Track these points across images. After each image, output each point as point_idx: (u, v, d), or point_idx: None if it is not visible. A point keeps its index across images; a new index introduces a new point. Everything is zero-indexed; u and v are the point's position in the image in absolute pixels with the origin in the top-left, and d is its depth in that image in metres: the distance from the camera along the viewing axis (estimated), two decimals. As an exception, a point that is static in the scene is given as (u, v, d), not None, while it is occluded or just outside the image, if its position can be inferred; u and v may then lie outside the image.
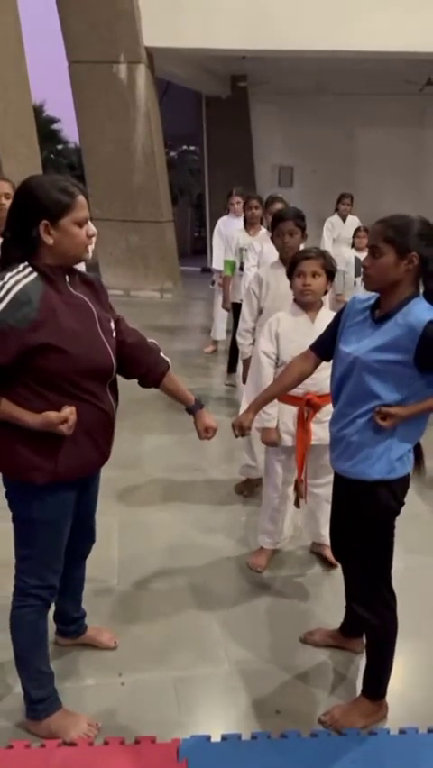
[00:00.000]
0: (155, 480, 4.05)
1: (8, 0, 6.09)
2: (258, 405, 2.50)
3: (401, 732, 2.15)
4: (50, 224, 1.79)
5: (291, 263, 2.88)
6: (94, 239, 2.52)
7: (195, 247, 17.59)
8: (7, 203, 3.94)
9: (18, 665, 2.10)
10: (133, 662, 2.46)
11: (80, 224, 1.83)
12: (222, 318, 7.08)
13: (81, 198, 1.83)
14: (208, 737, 2.10)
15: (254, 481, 3.85)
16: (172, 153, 19.28)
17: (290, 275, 2.90)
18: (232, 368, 6.00)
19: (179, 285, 11.27)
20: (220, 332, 7.17)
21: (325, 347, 2.25)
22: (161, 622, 2.71)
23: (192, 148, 20.20)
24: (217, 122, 14.51)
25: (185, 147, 20.85)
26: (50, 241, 1.80)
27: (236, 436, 2.55)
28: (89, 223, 1.90)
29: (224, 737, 2.10)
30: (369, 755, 2.06)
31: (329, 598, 2.83)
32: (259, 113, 13.99)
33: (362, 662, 2.33)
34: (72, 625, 2.45)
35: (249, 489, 3.88)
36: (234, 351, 5.84)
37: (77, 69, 9.99)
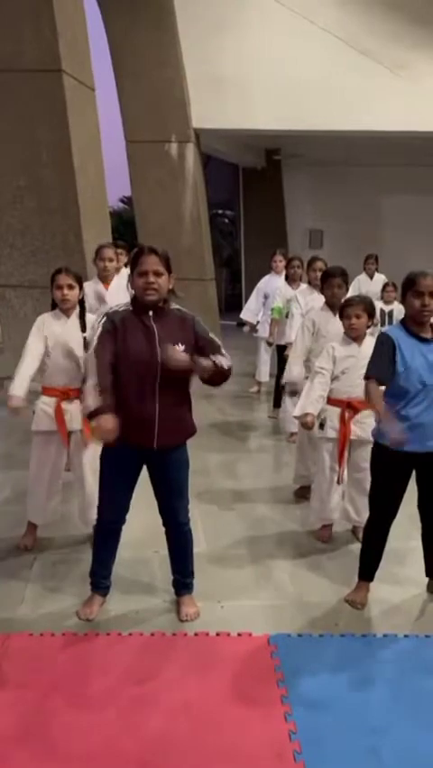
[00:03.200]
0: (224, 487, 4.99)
1: (90, 99, 7.33)
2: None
3: None
4: None
5: (341, 308, 3.87)
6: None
7: (228, 303, 18.79)
8: (111, 264, 5.06)
9: None
10: (227, 593, 3.35)
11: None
12: (265, 363, 8.08)
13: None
14: (290, 634, 2.97)
15: (308, 488, 4.72)
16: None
17: (340, 317, 3.89)
18: (277, 403, 6.94)
19: (219, 336, 12.32)
20: (264, 374, 8.14)
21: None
22: (246, 570, 3.61)
23: (222, 212, 21.69)
24: (253, 190, 15.89)
25: (215, 211, 22.37)
26: None
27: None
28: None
29: (301, 635, 2.98)
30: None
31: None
32: (291, 182, 15.30)
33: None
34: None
35: (306, 493, 4.73)
36: (278, 389, 6.79)
37: (134, 148, 11.36)
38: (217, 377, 2.94)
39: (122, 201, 23.52)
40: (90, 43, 7.59)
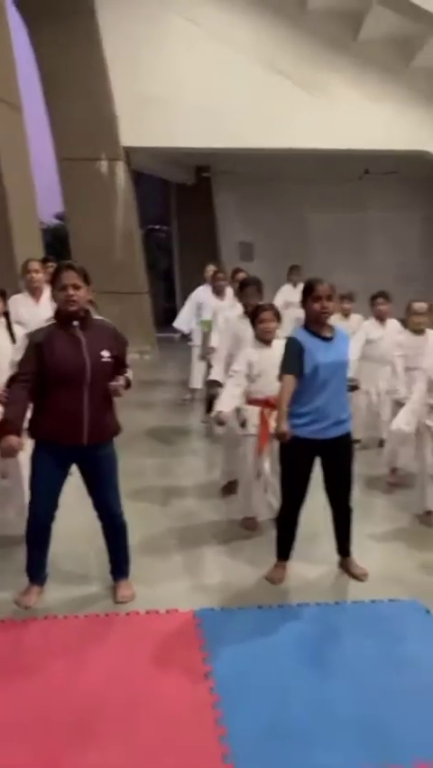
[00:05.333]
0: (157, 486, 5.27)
1: (17, 119, 7.57)
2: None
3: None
4: None
5: (253, 313, 4.23)
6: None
7: (166, 316, 19.07)
8: (37, 276, 5.27)
9: None
10: (158, 578, 3.62)
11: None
12: (198, 371, 8.39)
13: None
14: (213, 608, 3.27)
15: (234, 483, 5.04)
16: (141, 231, 21.03)
17: (252, 322, 4.24)
18: (209, 409, 7.25)
19: (155, 348, 12.64)
20: (197, 382, 8.44)
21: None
22: (175, 557, 3.89)
23: (159, 227, 22.05)
24: (185, 205, 16.31)
25: (151, 226, 22.69)
26: None
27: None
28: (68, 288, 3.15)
29: (223, 609, 3.28)
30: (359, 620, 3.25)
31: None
32: (221, 197, 15.77)
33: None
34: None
35: (232, 488, 5.03)
36: (210, 396, 7.11)
37: (65, 165, 11.59)
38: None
39: (57, 218, 23.59)
40: (17, 63, 7.84)
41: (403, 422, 4.29)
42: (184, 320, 8.51)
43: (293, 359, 3.42)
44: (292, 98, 11.25)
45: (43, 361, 3.14)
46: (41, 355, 3.14)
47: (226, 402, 4.22)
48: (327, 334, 3.45)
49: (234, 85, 11.17)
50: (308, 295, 3.41)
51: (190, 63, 11.20)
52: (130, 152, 11.94)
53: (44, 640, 3.05)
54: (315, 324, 3.46)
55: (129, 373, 3.38)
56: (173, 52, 11.25)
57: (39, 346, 3.16)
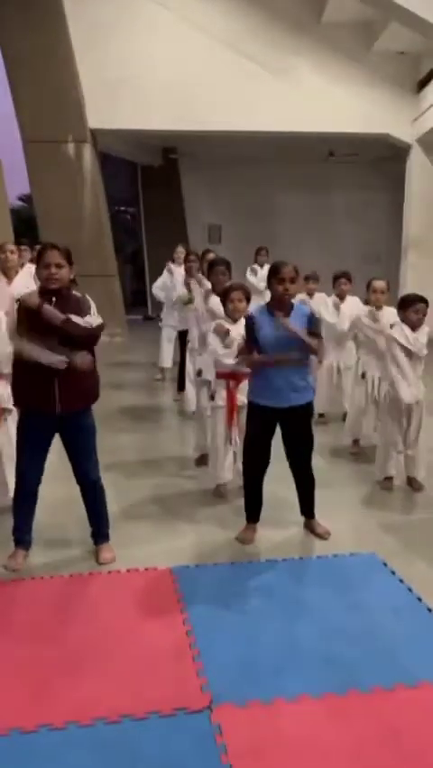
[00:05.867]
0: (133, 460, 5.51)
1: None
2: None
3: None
4: None
5: (223, 293, 4.46)
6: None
7: (134, 299, 19.18)
8: (12, 257, 5.41)
9: None
10: (136, 541, 3.88)
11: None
12: (168, 351, 8.60)
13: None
14: (188, 565, 3.54)
15: (206, 455, 5.29)
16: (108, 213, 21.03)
17: (223, 302, 4.47)
18: (180, 387, 7.49)
19: (125, 330, 12.80)
20: (167, 361, 8.66)
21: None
22: (151, 522, 4.15)
23: (125, 209, 22.04)
24: (152, 187, 16.40)
25: (118, 208, 22.67)
26: None
27: None
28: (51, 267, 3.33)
29: (198, 565, 3.55)
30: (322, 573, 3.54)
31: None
32: (189, 179, 15.91)
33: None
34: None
35: (205, 460, 5.29)
36: (181, 374, 7.34)
37: (32, 148, 11.61)
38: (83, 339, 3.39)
39: (20, 199, 23.39)
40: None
41: (408, 394, 4.52)
42: (159, 286, 8.62)
43: (248, 334, 3.79)
44: (258, 81, 11.45)
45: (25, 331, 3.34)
46: (24, 324, 3.35)
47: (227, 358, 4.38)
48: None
49: (200, 68, 11.33)
50: (273, 276, 3.66)
51: (158, 47, 11.31)
52: (97, 134, 12.02)
53: (33, 596, 3.28)
54: (277, 303, 3.71)
55: (89, 318, 3.39)
56: (141, 36, 11.34)
57: (22, 316, 3.37)
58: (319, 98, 11.50)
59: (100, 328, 3.48)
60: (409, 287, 11.89)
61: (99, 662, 2.73)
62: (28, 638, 2.92)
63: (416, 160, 12.30)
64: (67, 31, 11.06)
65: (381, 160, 14.02)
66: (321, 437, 5.84)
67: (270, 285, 3.72)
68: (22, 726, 2.37)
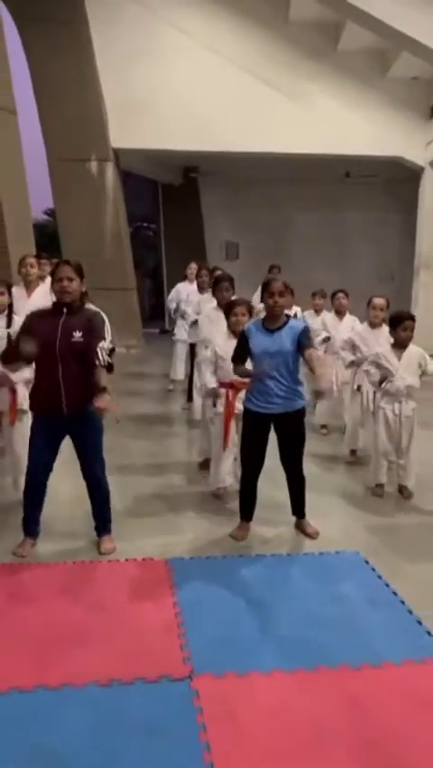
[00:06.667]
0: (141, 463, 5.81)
1: (12, 123, 8.07)
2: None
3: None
4: None
5: (227, 306, 4.77)
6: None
7: (153, 313, 19.58)
8: (33, 270, 5.77)
9: None
10: (137, 535, 4.17)
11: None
12: (180, 362, 8.91)
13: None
14: (183, 557, 3.82)
15: (209, 460, 5.57)
16: (129, 229, 21.50)
17: (227, 315, 4.78)
18: (189, 398, 7.80)
19: (141, 342, 13.17)
20: (179, 373, 8.98)
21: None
22: (153, 519, 4.44)
23: (146, 225, 22.52)
24: (172, 205, 16.83)
25: (139, 224, 23.17)
26: None
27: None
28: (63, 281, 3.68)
29: (192, 558, 3.83)
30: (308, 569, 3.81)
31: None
32: (208, 197, 16.32)
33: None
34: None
35: (208, 465, 5.57)
36: (190, 385, 7.65)
37: (57, 166, 12.09)
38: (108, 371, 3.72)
39: (46, 213, 23.99)
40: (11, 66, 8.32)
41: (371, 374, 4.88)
42: (171, 298, 9.00)
43: (239, 347, 4.09)
44: (274, 105, 11.83)
45: (30, 335, 3.66)
46: (29, 331, 3.69)
47: (210, 380, 4.77)
48: (273, 326, 4.00)
49: (220, 91, 11.74)
50: (265, 291, 3.97)
51: (179, 70, 11.75)
52: (119, 153, 12.46)
53: (39, 579, 3.59)
54: (268, 316, 4.01)
55: (102, 348, 3.68)
56: (162, 60, 11.79)
57: (29, 323, 3.74)
58: (334, 122, 11.85)
59: (113, 351, 3.81)
60: (420, 305, 12.15)
61: (95, 635, 3.02)
62: (32, 614, 3.22)
63: (429, 182, 12.56)
64: (92, 55, 11.55)
65: (395, 182, 14.30)
66: (321, 447, 6.20)
67: (262, 299, 4.02)
68: (21, 685, 2.66)
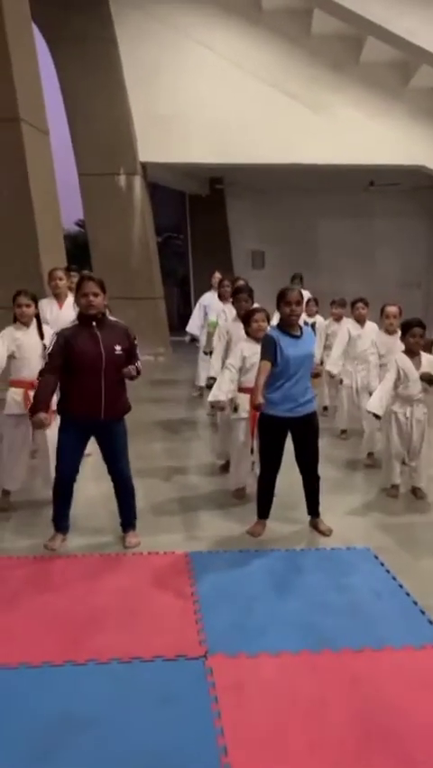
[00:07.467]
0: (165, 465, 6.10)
1: (45, 142, 8.46)
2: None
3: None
4: None
5: (246, 316, 5.03)
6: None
7: (181, 321, 19.90)
8: (61, 283, 6.04)
9: None
10: (159, 531, 4.44)
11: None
12: (204, 369, 9.18)
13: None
14: (202, 551, 4.08)
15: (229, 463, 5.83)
16: (158, 239, 21.90)
17: (247, 322, 5.03)
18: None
19: (168, 350, 13.50)
20: (203, 379, 9.23)
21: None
22: (175, 517, 4.70)
23: (176, 235, 22.92)
24: (199, 215, 17.19)
25: (169, 234, 23.57)
26: None
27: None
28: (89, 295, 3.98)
29: (210, 551, 4.08)
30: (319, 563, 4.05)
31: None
32: (234, 207, 16.64)
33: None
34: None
35: (229, 467, 5.83)
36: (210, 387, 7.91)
37: (86, 179, 12.52)
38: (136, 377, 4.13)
39: (77, 224, 24.52)
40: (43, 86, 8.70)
41: (374, 405, 5.02)
42: (195, 324, 9.35)
43: (269, 350, 4.24)
44: (299, 117, 12.12)
45: (69, 353, 3.95)
46: (68, 348, 3.96)
47: (223, 392, 4.99)
48: (296, 333, 4.25)
49: (244, 105, 12.06)
50: (281, 300, 4.21)
51: (204, 85, 12.11)
52: (147, 167, 12.85)
53: (68, 570, 3.88)
54: (286, 324, 4.26)
55: (139, 363, 4.16)
56: (188, 75, 12.16)
57: (66, 342, 3.98)
58: (357, 132, 12.08)
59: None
60: (443, 312, 12.27)
61: (119, 619, 3.30)
62: (62, 598, 3.51)
63: (452, 189, 12.72)
64: (121, 71, 11.97)
65: (419, 189, 14.47)
66: (340, 451, 6.42)
67: (278, 308, 4.26)
68: (51, 660, 2.95)
